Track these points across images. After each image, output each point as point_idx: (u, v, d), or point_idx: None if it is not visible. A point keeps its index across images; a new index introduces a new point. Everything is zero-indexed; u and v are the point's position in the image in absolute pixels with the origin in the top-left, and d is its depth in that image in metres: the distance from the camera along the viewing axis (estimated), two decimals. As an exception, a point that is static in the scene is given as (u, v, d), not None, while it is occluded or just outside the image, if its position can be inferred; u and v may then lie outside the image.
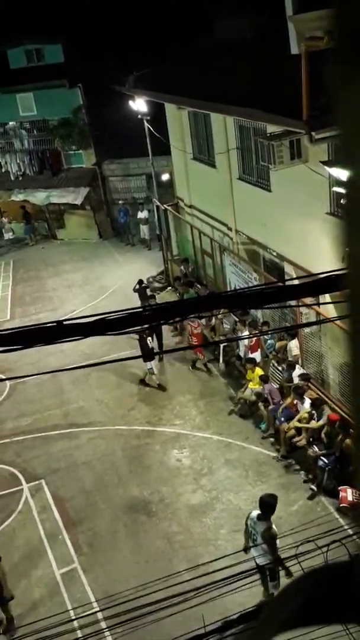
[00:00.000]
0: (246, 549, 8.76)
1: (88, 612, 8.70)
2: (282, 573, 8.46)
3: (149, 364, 14.96)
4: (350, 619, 1.14)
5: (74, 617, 8.59)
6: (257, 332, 14.10)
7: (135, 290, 18.47)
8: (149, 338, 14.95)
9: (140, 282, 18.72)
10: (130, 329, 2.95)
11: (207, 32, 18.66)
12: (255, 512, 8.62)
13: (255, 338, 14.11)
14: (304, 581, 1.20)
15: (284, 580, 8.52)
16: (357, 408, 1.03)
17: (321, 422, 11.40)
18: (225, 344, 15.61)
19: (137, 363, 15.44)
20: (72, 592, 9.98)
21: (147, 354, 14.77)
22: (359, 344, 0.96)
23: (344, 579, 1.13)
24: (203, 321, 15.47)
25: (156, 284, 21.32)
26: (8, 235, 28.98)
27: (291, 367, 13.04)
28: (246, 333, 14.37)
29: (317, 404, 11.58)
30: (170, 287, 21.01)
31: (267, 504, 8.50)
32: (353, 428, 1.09)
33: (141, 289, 18.45)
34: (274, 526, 8.54)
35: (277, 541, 8.34)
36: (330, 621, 1.14)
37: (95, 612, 8.82)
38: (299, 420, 11.89)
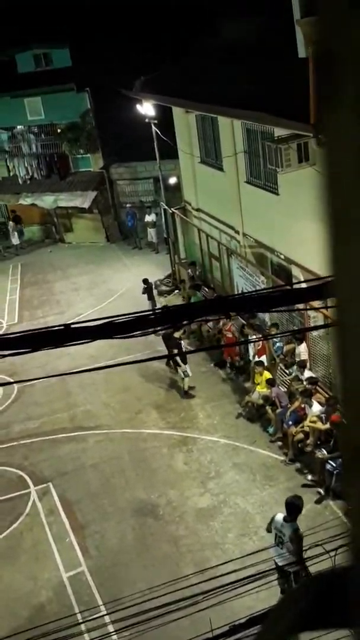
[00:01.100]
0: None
1: (95, 616, 8.69)
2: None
3: (185, 367, 14.80)
4: (353, 624, 1.14)
5: (81, 621, 8.59)
6: (262, 335, 14.10)
7: (144, 291, 18.94)
8: (183, 341, 15.01)
9: (145, 281, 19.19)
10: (159, 329, 2.96)
11: (214, 35, 18.69)
12: (280, 515, 8.68)
13: (261, 342, 14.09)
14: (306, 587, 1.21)
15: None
16: (346, 414, 1.03)
17: (327, 425, 11.37)
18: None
19: (144, 366, 15.45)
20: (79, 595, 9.98)
21: (183, 357, 14.70)
22: (347, 348, 0.96)
23: (346, 584, 1.13)
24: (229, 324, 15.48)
25: (163, 287, 21.35)
26: (14, 240, 29.04)
27: (302, 367, 13.01)
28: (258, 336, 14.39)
29: (330, 403, 11.54)
30: (177, 290, 21.03)
31: (295, 506, 8.61)
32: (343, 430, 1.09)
33: (148, 289, 18.89)
34: (300, 527, 8.61)
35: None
36: (332, 627, 1.15)
37: (103, 615, 8.81)
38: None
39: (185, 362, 14.70)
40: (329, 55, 0.83)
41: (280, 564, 8.56)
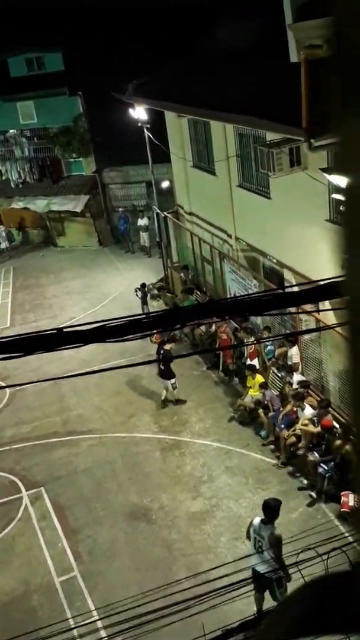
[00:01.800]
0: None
1: (88, 621, 8.66)
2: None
3: (174, 379, 14.57)
4: (352, 629, 1.14)
5: (73, 626, 8.56)
6: (255, 339, 14.13)
7: (140, 294, 19.25)
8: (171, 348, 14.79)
9: (142, 285, 19.51)
10: (159, 330, 2.95)
11: (207, 39, 18.74)
12: (258, 519, 8.59)
13: (253, 345, 14.13)
14: (304, 591, 1.20)
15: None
16: (356, 417, 1.03)
17: (319, 428, 11.39)
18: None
19: (137, 370, 15.45)
20: (71, 600, 9.94)
21: (171, 371, 14.46)
22: (358, 352, 0.96)
23: (345, 588, 1.12)
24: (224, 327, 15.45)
25: (156, 291, 21.37)
26: (5, 244, 29.01)
27: (293, 370, 13.04)
28: (249, 339, 14.42)
29: (322, 406, 11.56)
30: (169, 294, 21.05)
31: (272, 508, 8.48)
32: (354, 437, 1.09)
33: (143, 293, 19.04)
34: (278, 529, 8.54)
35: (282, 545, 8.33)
36: (331, 631, 1.14)
37: (95, 620, 8.78)
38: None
39: (173, 376, 14.53)
40: (353, 50, 0.82)
41: (260, 570, 8.43)
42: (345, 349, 0.99)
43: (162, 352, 14.45)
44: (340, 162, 0.91)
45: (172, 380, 14.56)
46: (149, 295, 19.90)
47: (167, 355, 14.15)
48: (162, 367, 14.51)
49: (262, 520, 8.49)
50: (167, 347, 14.49)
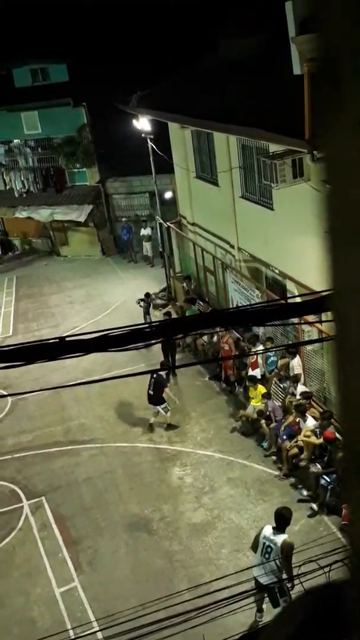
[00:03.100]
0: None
1: (88, 632, 8.60)
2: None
3: (163, 404, 14.23)
4: (352, 637, 1.13)
5: (73, 637, 8.50)
6: (256, 349, 14.11)
7: (144, 304, 19.25)
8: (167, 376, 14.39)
9: (147, 295, 19.55)
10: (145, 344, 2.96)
11: (211, 51, 18.86)
12: (269, 527, 8.62)
13: (255, 355, 14.11)
14: (302, 601, 1.20)
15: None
16: (344, 422, 1.04)
17: (321, 440, 11.36)
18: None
19: (139, 380, 15.42)
20: (71, 611, 9.88)
21: (161, 396, 14.14)
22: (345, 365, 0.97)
23: (341, 598, 1.12)
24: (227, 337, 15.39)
25: (158, 301, 21.40)
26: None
27: (296, 381, 13.01)
28: (254, 350, 14.41)
29: (325, 417, 11.52)
30: (171, 304, 21.07)
31: (284, 517, 8.58)
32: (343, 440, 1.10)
33: (147, 303, 19.01)
34: (290, 537, 8.59)
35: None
36: (332, 639, 1.14)
37: (95, 631, 8.73)
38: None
39: (164, 402, 14.17)
40: (332, 66, 0.84)
41: (264, 582, 8.43)
42: (333, 355, 0.99)
43: (154, 377, 13.93)
44: (326, 173, 0.92)
45: (163, 405, 14.17)
46: (151, 305, 19.92)
47: (160, 380, 13.88)
48: (152, 393, 14.07)
49: (273, 528, 8.54)
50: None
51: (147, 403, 14.34)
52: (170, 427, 14.39)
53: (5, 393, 16.00)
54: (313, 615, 1.14)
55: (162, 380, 13.97)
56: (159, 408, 14.21)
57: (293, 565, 8.11)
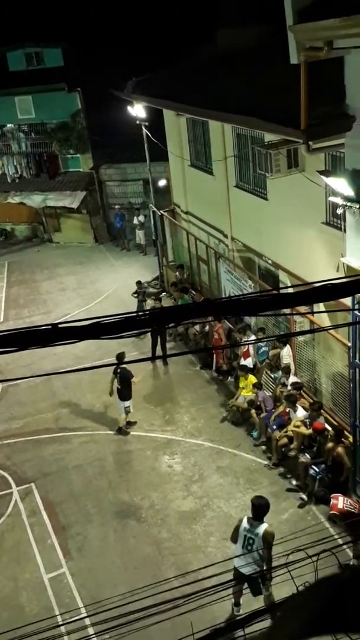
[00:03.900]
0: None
1: (76, 618, 8.65)
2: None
3: (128, 402, 13.89)
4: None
5: (61, 623, 8.55)
6: (247, 339, 14.13)
7: (140, 296, 19.10)
8: (135, 378, 13.89)
9: (139, 283, 19.48)
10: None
11: (208, 39, 18.74)
12: (246, 518, 8.58)
13: (246, 345, 14.13)
14: (318, 588, 1.17)
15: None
16: None
17: (310, 430, 11.41)
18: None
19: (130, 368, 15.41)
20: (59, 597, 9.92)
21: (129, 392, 13.83)
22: None
23: (353, 588, 1.11)
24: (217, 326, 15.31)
25: (151, 289, 21.36)
26: None
27: (287, 372, 13.04)
28: (245, 340, 14.43)
29: (314, 408, 11.57)
30: (165, 293, 21.05)
31: (262, 506, 8.49)
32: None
33: (141, 292, 18.97)
34: (270, 525, 8.56)
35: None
36: (345, 631, 1.11)
37: (83, 617, 8.77)
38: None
39: (129, 398, 13.82)
40: None
41: (246, 572, 8.41)
42: None
43: (118, 371, 13.54)
44: None
45: (127, 403, 13.79)
46: (145, 293, 19.80)
47: (124, 374, 13.56)
48: (119, 387, 13.73)
49: (251, 519, 8.49)
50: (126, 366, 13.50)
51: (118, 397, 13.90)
52: (128, 425, 14.01)
53: (-5, 379, 15.96)
54: (332, 604, 1.11)
55: (127, 374, 13.57)
56: (123, 405, 13.81)
57: (281, 554, 8.13)
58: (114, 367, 13.63)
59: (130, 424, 14.13)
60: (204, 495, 11.77)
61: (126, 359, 13.58)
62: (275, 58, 12.90)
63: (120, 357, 13.35)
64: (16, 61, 28.01)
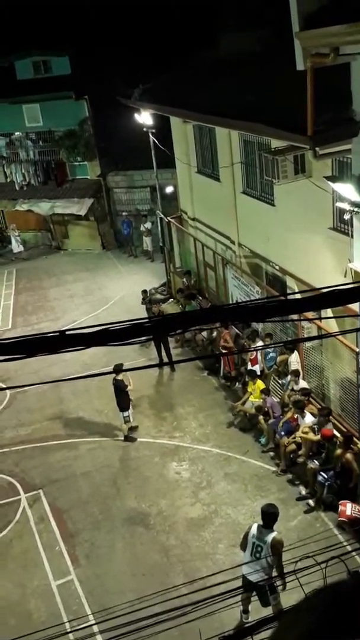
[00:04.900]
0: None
1: (84, 625, 8.63)
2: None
3: (127, 412, 13.95)
4: None
5: (69, 630, 8.53)
6: (255, 345, 14.11)
7: (144, 302, 18.99)
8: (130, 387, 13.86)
9: (144, 292, 19.41)
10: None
11: (214, 45, 18.79)
12: (255, 526, 8.57)
13: (255, 351, 14.10)
14: (324, 594, 1.16)
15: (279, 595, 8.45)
16: None
17: (318, 437, 11.36)
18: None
19: (138, 374, 15.42)
20: (68, 604, 9.91)
21: (127, 402, 13.88)
22: None
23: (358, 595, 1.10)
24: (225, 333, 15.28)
25: (158, 296, 21.38)
26: (18, 247, 28.70)
27: (296, 377, 12.98)
28: (253, 346, 14.40)
29: (323, 413, 11.52)
30: (172, 299, 21.07)
31: (272, 514, 8.49)
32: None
33: (148, 301, 18.95)
34: (279, 533, 8.53)
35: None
36: (352, 638, 1.10)
37: (91, 624, 8.75)
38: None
39: (127, 408, 13.87)
40: None
41: (254, 579, 8.36)
42: None
43: (114, 382, 13.63)
44: None
45: (126, 413, 13.85)
46: (150, 300, 19.78)
47: (118, 385, 13.55)
48: (116, 398, 13.83)
49: (261, 526, 8.48)
50: (120, 377, 13.43)
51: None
52: (127, 439, 13.98)
53: (4, 386, 16.01)
54: (338, 610, 1.09)
55: (121, 384, 13.54)
56: (122, 415, 13.86)
57: (289, 561, 8.11)
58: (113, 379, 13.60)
59: (132, 429, 14.13)
60: (212, 502, 11.74)
61: (134, 366, 13.54)
62: (280, 62, 12.94)
63: (117, 369, 13.02)
64: (24, 70, 28.19)
